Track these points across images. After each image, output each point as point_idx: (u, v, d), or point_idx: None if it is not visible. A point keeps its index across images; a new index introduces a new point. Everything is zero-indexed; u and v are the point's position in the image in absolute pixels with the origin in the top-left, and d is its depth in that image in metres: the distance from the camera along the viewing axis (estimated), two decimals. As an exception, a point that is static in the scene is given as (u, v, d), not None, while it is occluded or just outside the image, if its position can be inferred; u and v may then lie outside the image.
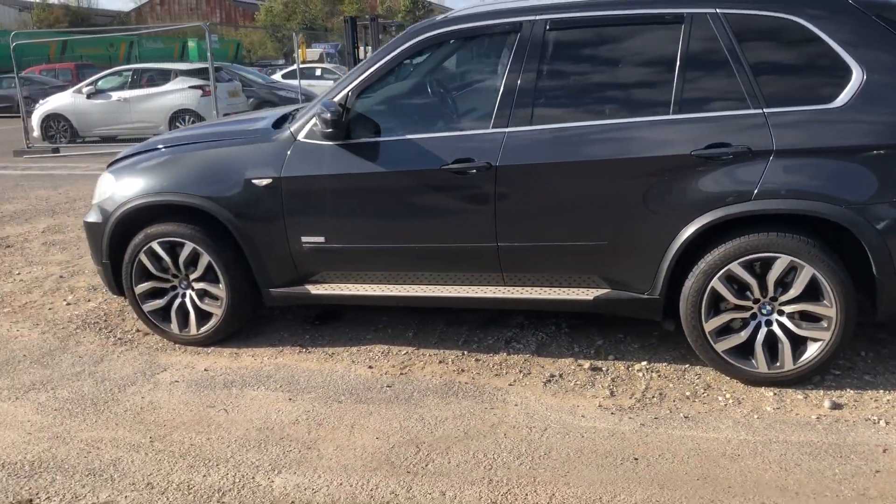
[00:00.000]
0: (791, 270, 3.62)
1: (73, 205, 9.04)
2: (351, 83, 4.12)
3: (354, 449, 3.38)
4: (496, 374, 4.04)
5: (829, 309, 3.61)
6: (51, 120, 16.08)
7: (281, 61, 44.15)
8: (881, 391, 3.70)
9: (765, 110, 3.60)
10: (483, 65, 4.33)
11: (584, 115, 3.84)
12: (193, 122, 15.28)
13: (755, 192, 3.58)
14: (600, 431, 3.45)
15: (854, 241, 3.57)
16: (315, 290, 4.32)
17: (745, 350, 3.78)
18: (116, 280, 4.64)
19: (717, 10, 3.71)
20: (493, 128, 3.90)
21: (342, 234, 4.18)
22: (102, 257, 4.60)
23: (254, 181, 4.22)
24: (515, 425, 3.53)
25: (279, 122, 4.51)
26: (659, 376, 3.95)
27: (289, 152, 4.17)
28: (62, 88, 20.48)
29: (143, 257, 4.49)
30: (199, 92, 15.27)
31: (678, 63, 3.71)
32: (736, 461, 3.18)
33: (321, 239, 4.20)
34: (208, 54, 13.70)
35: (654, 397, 3.74)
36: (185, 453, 3.38)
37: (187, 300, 4.53)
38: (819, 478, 3.03)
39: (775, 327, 3.72)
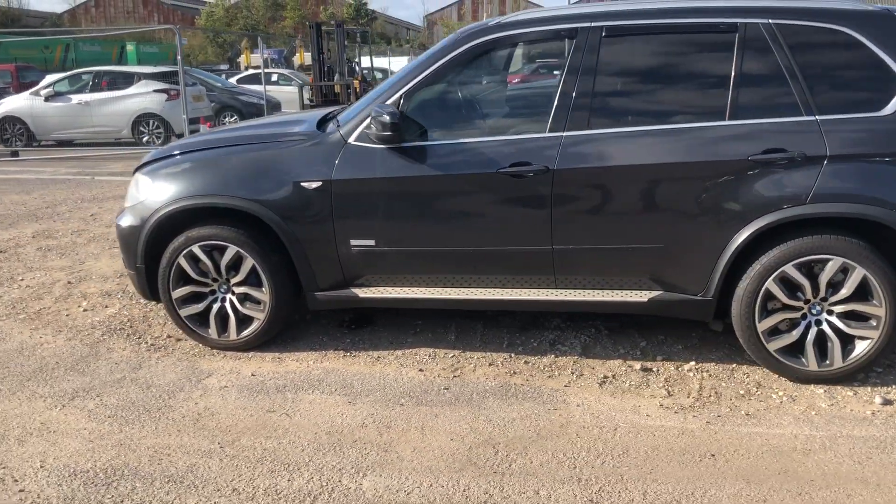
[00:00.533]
0: (842, 271, 3.75)
1: (55, 209, 8.76)
2: (404, 87, 4.13)
3: (432, 450, 3.37)
4: (549, 376, 4.08)
5: (878, 308, 3.75)
6: (5, 123, 15.58)
7: (224, 66, 43.53)
8: (926, 387, 3.86)
9: (818, 117, 3.73)
10: (534, 69, 4.38)
11: (641, 120, 3.91)
12: (157, 127, 15.00)
13: (810, 195, 3.71)
14: (670, 430, 3.52)
15: (899, 242, 3.73)
16: (363, 293, 4.30)
17: (795, 349, 3.90)
18: (150, 285, 4.54)
19: (770, 21, 3.84)
20: (549, 132, 3.95)
21: (393, 238, 4.17)
22: (137, 261, 4.49)
23: (303, 184, 4.18)
24: (584, 425, 3.57)
25: (321, 125, 4.48)
26: (710, 376, 4.05)
27: (340, 155, 4.15)
28: (3, 90, 19.91)
29: (182, 261, 4.40)
30: (164, 96, 14.97)
31: (733, 71, 3.82)
32: (809, 455, 3.28)
33: (371, 242, 4.19)
34: (178, 57, 13.43)
35: (710, 396, 3.83)
36: (261, 458, 3.33)
37: (227, 304, 4.46)
38: (893, 469, 3.16)
39: (825, 326, 3.86)
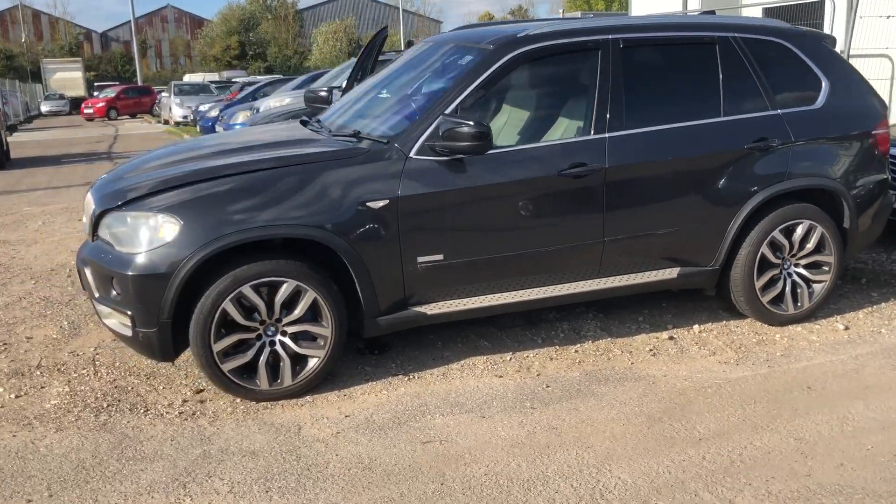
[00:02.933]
0: (809, 231, 4.76)
1: None
2: (456, 98, 4.12)
3: (624, 436, 3.56)
4: (609, 359, 4.44)
5: (829, 257, 4.84)
6: None
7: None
8: (859, 312, 5.06)
9: (780, 111, 4.69)
10: (565, 77, 4.62)
11: (661, 118, 4.48)
12: None
13: (786, 173, 4.65)
14: (757, 376, 4.17)
15: (838, 206, 4.86)
16: (430, 310, 4.17)
17: (778, 299, 4.82)
18: (173, 342, 3.83)
19: (735, 35, 4.70)
20: (594, 133, 4.32)
21: (461, 250, 4.14)
22: (162, 315, 3.75)
23: (368, 204, 3.94)
24: (699, 387, 4.04)
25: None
26: (720, 333, 4.78)
27: (403, 171, 4.00)
28: None
29: (228, 306, 3.79)
30: None
31: (720, 75, 4.60)
32: (861, 372, 4.19)
33: (440, 257, 4.10)
34: None
35: (741, 348, 4.56)
36: (515, 477, 3.18)
37: (278, 348, 3.95)
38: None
39: (795, 277, 4.84)
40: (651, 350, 4.54)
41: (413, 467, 3.34)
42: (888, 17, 7.83)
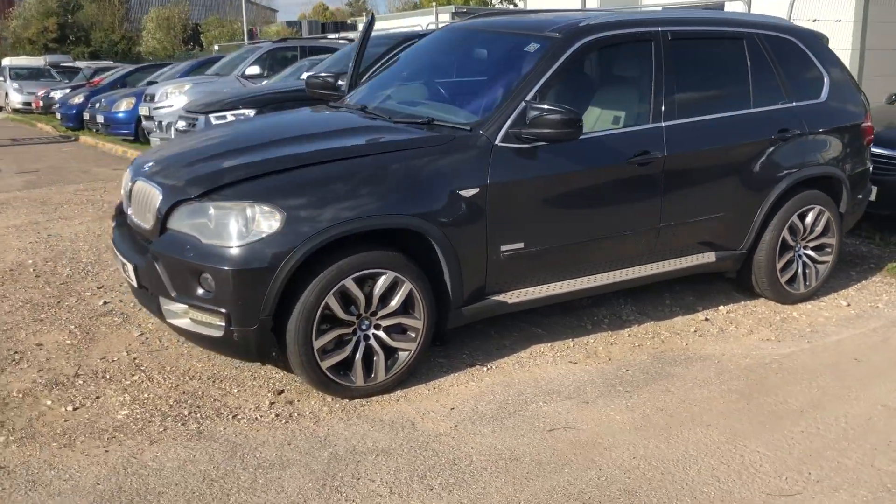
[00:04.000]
0: (819, 215, 5.14)
1: None
2: (534, 86, 4.11)
3: (743, 413, 3.72)
4: (663, 341, 4.59)
5: (832, 239, 5.26)
6: None
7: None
8: (850, 289, 5.52)
9: (794, 104, 5.04)
10: (623, 67, 4.67)
11: (704, 109, 4.69)
12: None
13: (803, 162, 5.00)
14: (804, 351, 4.47)
15: (837, 192, 5.28)
16: (511, 299, 4.15)
17: (794, 279, 5.17)
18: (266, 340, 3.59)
19: (757, 31, 4.99)
20: (652, 122, 4.45)
21: (540, 237, 4.15)
22: (263, 313, 3.50)
23: (460, 192, 3.86)
24: (761, 364, 4.28)
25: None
26: (746, 314, 5.06)
27: (491, 158, 3.95)
28: None
29: (331, 300, 3.60)
30: None
31: (749, 69, 4.88)
32: (888, 342, 4.60)
33: (521, 245, 4.09)
34: None
35: (772, 326, 4.86)
36: (658, 467, 3.24)
37: (372, 342, 3.79)
38: (934, 337, 4.69)
39: (805, 259, 5.22)
40: (695, 331, 4.74)
41: (558, 456, 3.32)
42: (814, 20, 8.54)
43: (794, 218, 5.04)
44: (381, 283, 3.71)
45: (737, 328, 4.82)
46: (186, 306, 3.64)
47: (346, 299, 3.66)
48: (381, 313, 3.78)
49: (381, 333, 3.80)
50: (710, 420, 3.65)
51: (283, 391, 3.87)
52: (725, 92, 4.84)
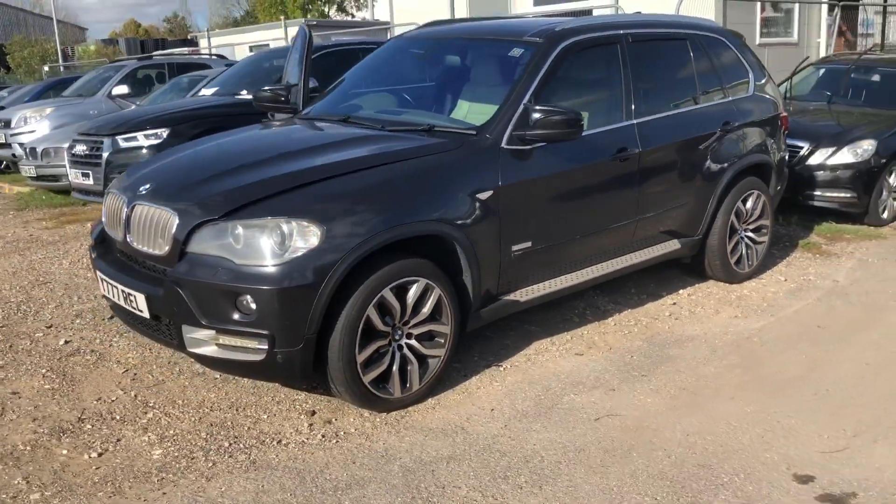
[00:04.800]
0: (757, 199, 5.59)
1: None
2: (529, 89, 4.21)
3: (763, 384, 3.99)
4: (646, 326, 4.83)
5: (766, 220, 5.73)
6: None
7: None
8: (780, 266, 6.03)
9: (729, 98, 5.46)
10: (596, 67, 4.79)
11: (663, 106, 4.98)
12: None
13: (741, 152, 5.43)
14: (773, 324, 4.86)
15: (767, 178, 5.77)
16: (522, 297, 4.23)
17: (740, 261, 5.59)
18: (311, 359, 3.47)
19: (697, 32, 5.38)
20: (625, 120, 4.68)
21: (544, 235, 4.26)
22: (309, 331, 3.38)
23: (477, 195, 3.91)
24: (743, 339, 4.62)
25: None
26: (708, 294, 5.40)
27: (500, 160, 4.02)
28: None
29: (372, 312, 3.53)
30: None
31: (694, 67, 5.24)
32: (835, 310, 5.08)
33: (528, 244, 4.18)
34: None
35: (733, 304, 5.23)
36: (726, 444, 3.43)
37: (406, 351, 3.75)
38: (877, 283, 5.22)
39: (746, 241, 5.65)
40: (669, 315, 5.03)
41: (618, 442, 3.44)
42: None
43: (739, 203, 5.45)
44: (414, 292, 3.68)
45: (703, 309, 5.15)
46: (214, 332, 3.45)
47: (382, 310, 3.60)
48: (412, 322, 3.75)
49: (414, 342, 3.77)
50: (730, 393, 3.90)
51: (314, 411, 3.74)
52: (679, 89, 5.18)
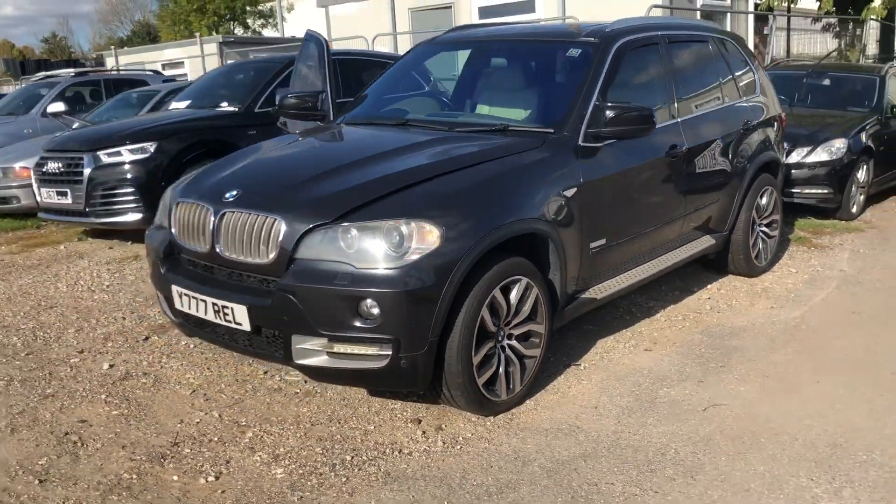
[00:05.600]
0: (771, 195, 5.81)
1: None
2: (595, 88, 4.24)
3: (836, 367, 4.12)
4: (695, 320, 4.93)
5: (777, 216, 5.97)
6: None
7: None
8: (786, 259, 6.27)
9: (744, 97, 5.67)
10: (643, 67, 4.82)
11: (698, 104, 5.12)
12: None
13: (758, 150, 5.64)
14: (809, 313, 5.05)
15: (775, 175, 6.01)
16: (598, 294, 4.24)
17: (759, 254, 5.78)
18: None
19: (712, 34, 5.56)
20: (670, 118, 4.78)
21: (615, 231, 4.29)
22: (433, 334, 3.28)
23: (564, 193, 3.90)
24: (789, 328, 4.78)
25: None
26: (733, 289, 5.56)
27: (580, 157, 4.03)
28: None
29: (485, 313, 3.45)
30: None
31: (717, 67, 5.42)
32: (858, 297, 5.32)
33: (603, 241, 4.20)
34: None
35: (763, 297, 5.40)
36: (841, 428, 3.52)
37: (509, 352, 3.68)
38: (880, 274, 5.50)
39: (761, 235, 5.86)
40: (711, 308, 5.15)
41: (740, 431, 3.47)
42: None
43: (759, 198, 5.65)
44: (517, 291, 3.63)
45: (738, 302, 5.29)
46: (326, 340, 3.31)
47: (491, 311, 3.53)
48: (513, 322, 3.69)
49: (515, 343, 3.71)
50: (813, 377, 4.02)
51: (419, 419, 3.62)
52: (709, 88, 5.32)
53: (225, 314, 3.48)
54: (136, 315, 5.13)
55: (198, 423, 3.64)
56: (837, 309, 5.10)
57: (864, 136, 7.84)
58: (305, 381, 4.01)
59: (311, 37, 6.07)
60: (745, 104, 5.60)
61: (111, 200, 6.71)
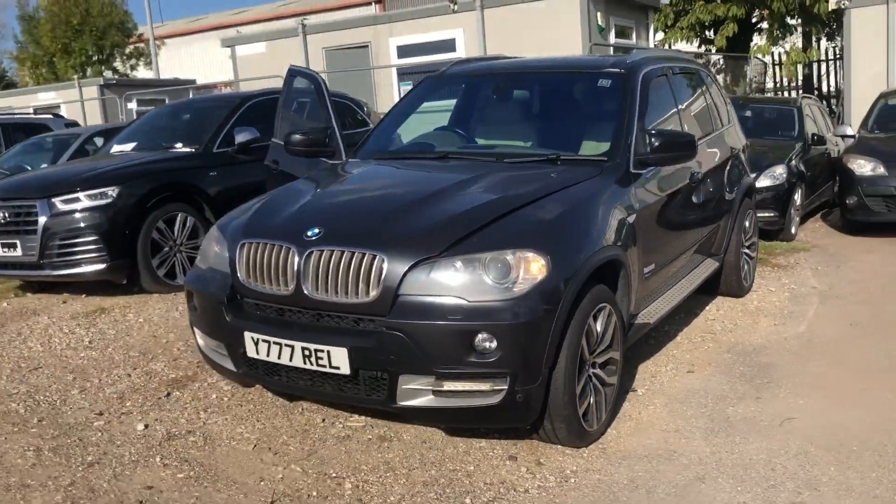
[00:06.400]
0: (751, 218, 6.11)
1: None
2: (634, 115, 4.32)
3: (867, 374, 4.32)
4: (714, 342, 5.07)
5: (756, 238, 6.27)
6: None
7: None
8: (768, 277, 6.57)
9: (725, 126, 5.96)
10: (660, 94, 4.93)
11: (700, 132, 5.31)
12: None
13: (744, 175, 5.94)
14: (813, 327, 5.32)
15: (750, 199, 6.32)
16: (648, 318, 4.29)
17: (745, 275, 6.04)
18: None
19: (697, 67, 5.83)
20: (693, 143, 4.97)
21: (659, 256, 4.38)
22: (546, 364, 3.22)
23: (627, 219, 3.95)
24: (803, 342, 5.02)
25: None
26: (730, 310, 5.75)
27: (632, 184, 4.10)
28: None
29: (584, 342, 3.42)
30: None
31: (707, 97, 5.68)
32: (846, 310, 5.65)
33: (653, 265, 4.28)
34: None
35: (762, 316, 5.63)
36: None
37: (595, 381, 3.65)
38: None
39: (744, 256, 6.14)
40: (722, 329, 5.31)
41: (834, 442, 3.57)
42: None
43: (745, 222, 5.92)
44: (602, 318, 3.61)
45: (742, 321, 5.49)
46: (434, 379, 3.17)
47: (587, 339, 3.50)
48: (597, 350, 3.67)
49: (598, 371, 3.68)
50: (859, 385, 4.21)
51: (514, 456, 3.51)
52: (704, 116, 5.56)
53: (318, 359, 3.27)
54: (140, 371, 4.73)
55: (281, 478, 3.38)
56: (835, 322, 5.38)
57: (795, 162, 8.41)
58: (371, 427, 3.83)
59: (298, 72, 5.91)
60: (727, 132, 5.88)
61: (70, 250, 6.18)
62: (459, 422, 3.48)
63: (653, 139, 4.14)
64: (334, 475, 3.39)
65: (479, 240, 3.27)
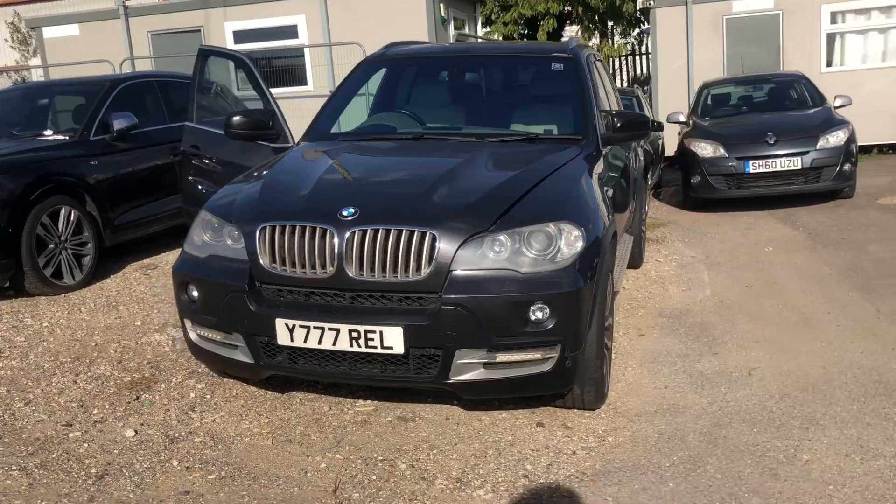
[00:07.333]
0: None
1: None
2: (593, 97, 4.58)
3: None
4: (641, 300, 5.49)
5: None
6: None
7: None
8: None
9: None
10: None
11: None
12: None
13: (640, 155, 6.43)
14: (717, 290, 5.88)
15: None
16: (616, 286, 4.55)
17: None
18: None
19: (599, 56, 6.22)
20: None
21: (619, 228, 4.65)
22: (588, 332, 3.38)
23: (607, 194, 4.19)
24: (721, 300, 5.54)
25: None
26: (636, 280, 6.22)
27: (602, 160, 4.35)
28: None
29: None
30: None
31: (608, 82, 6.07)
32: (721, 265, 6.33)
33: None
34: None
35: (669, 283, 6.15)
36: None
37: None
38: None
39: (641, 231, 6.65)
40: (643, 297, 5.75)
41: (807, 385, 4.00)
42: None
43: (643, 198, 6.42)
44: (610, 286, 3.83)
45: (654, 290, 5.98)
46: (486, 351, 3.23)
47: (601, 306, 3.71)
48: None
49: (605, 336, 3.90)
50: (788, 336, 4.76)
51: (541, 423, 3.64)
52: (614, 99, 5.93)
53: (368, 340, 3.19)
54: (86, 377, 4.28)
55: (326, 468, 3.27)
56: (731, 286, 6.00)
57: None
58: (384, 409, 3.79)
59: (211, 52, 5.58)
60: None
61: (-59, 251, 5.42)
62: (508, 392, 3.54)
63: (615, 119, 4.41)
64: (381, 458, 3.33)
65: (519, 213, 3.35)
